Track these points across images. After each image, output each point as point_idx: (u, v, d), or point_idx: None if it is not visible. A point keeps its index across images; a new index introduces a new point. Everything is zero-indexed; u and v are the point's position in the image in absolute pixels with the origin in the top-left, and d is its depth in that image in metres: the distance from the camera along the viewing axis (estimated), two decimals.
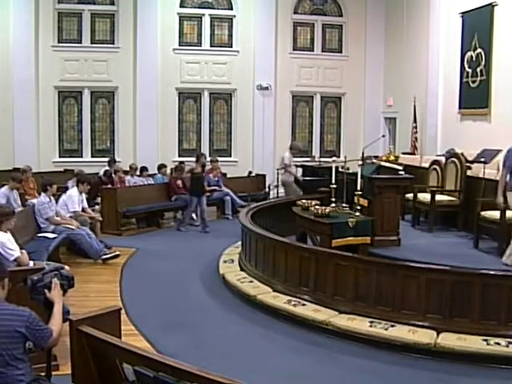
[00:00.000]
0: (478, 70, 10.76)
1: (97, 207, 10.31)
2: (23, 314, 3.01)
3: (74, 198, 8.63)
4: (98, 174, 12.19)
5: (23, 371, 3.00)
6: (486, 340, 4.92)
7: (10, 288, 3.21)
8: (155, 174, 12.41)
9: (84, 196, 9.09)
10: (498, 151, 8.66)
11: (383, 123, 15.37)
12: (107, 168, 12.36)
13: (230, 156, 15.21)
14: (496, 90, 10.32)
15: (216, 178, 12.53)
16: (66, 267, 6.14)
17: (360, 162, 7.97)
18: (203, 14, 14.85)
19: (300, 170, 12.36)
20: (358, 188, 7.57)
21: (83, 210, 8.89)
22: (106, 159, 13.10)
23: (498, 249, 7.28)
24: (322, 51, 15.56)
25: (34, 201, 8.94)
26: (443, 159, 9.60)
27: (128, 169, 12.30)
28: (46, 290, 3.30)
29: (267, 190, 13.71)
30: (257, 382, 4.42)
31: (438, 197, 8.75)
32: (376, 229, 7.31)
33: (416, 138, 13.08)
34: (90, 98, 14.57)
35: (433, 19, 12.49)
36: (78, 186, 8.86)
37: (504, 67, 10.08)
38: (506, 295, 5.08)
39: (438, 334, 5.09)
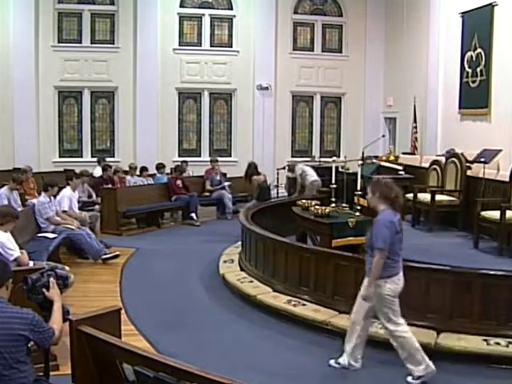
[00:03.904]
0: (478, 70, 10.76)
1: (97, 207, 10.30)
2: (27, 317, 2.99)
3: (64, 199, 8.60)
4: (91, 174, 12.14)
5: (26, 373, 3.00)
6: (486, 340, 4.93)
7: (11, 289, 3.21)
8: (155, 174, 12.41)
9: (77, 194, 9.09)
10: (498, 151, 8.68)
11: (383, 123, 15.37)
12: (105, 164, 12.24)
13: (230, 156, 15.20)
14: (496, 90, 10.32)
15: (218, 177, 12.59)
16: (66, 267, 6.18)
17: (360, 162, 7.98)
18: (203, 14, 14.85)
19: None
20: (358, 188, 7.57)
21: (68, 211, 8.63)
22: (106, 159, 13.10)
23: (498, 249, 7.30)
24: (322, 51, 15.56)
25: (34, 201, 8.93)
26: (443, 159, 9.62)
27: (127, 169, 12.28)
28: (45, 290, 3.31)
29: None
30: (257, 382, 4.42)
31: (438, 197, 8.76)
32: None
33: (416, 138, 13.07)
34: (90, 98, 14.56)
35: (433, 19, 12.48)
36: (68, 184, 8.83)
37: (504, 67, 10.08)
38: (506, 295, 5.08)
39: (438, 334, 5.09)
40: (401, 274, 4.69)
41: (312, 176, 10.44)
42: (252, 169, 10.93)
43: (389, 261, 4.55)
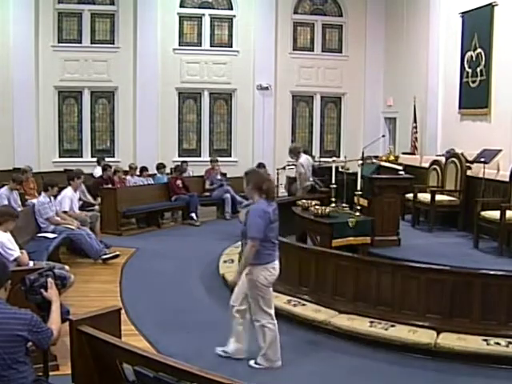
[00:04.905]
0: (478, 70, 10.76)
1: (97, 207, 10.29)
2: (25, 318, 2.99)
3: (66, 199, 8.59)
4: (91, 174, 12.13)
5: (25, 374, 2.99)
6: (485, 340, 4.93)
7: (10, 289, 3.21)
8: (155, 174, 12.41)
9: (78, 194, 9.08)
10: (498, 151, 8.67)
11: (383, 123, 15.37)
12: (105, 164, 12.22)
13: (230, 156, 15.21)
14: (496, 90, 10.32)
15: (219, 177, 12.61)
16: (66, 267, 6.18)
17: (360, 162, 7.97)
18: (203, 14, 14.85)
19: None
20: (358, 188, 7.57)
21: (69, 211, 8.59)
22: (106, 159, 13.10)
23: (498, 249, 7.29)
24: (322, 51, 15.56)
25: (34, 201, 8.93)
26: (443, 159, 9.62)
27: (128, 169, 12.28)
28: (43, 290, 3.30)
29: None
30: (257, 382, 4.42)
31: (438, 197, 8.76)
32: (376, 229, 7.31)
33: (416, 138, 13.08)
34: (90, 98, 14.56)
35: (433, 19, 12.49)
36: (69, 184, 8.83)
37: (504, 67, 10.07)
38: (506, 295, 5.09)
39: (438, 334, 5.09)
40: (276, 262, 4.81)
41: (308, 180, 10.34)
42: (261, 169, 11.26)
43: (264, 249, 4.66)
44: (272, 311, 4.82)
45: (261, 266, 4.66)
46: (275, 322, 4.82)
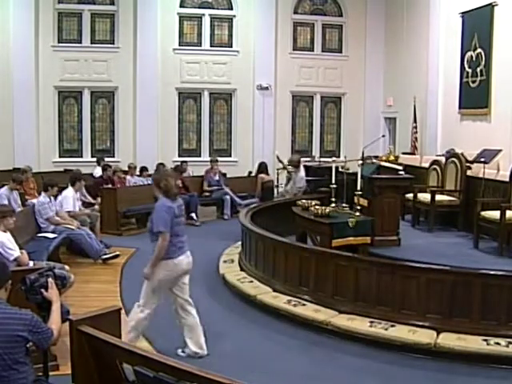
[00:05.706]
0: (478, 70, 10.76)
1: (97, 207, 10.29)
2: (25, 318, 2.98)
3: (69, 199, 8.59)
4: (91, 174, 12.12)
5: (25, 374, 2.99)
6: (486, 340, 4.92)
7: (10, 289, 3.21)
8: None
9: (79, 195, 9.08)
10: (498, 151, 8.68)
11: (383, 123, 15.37)
12: (104, 164, 12.23)
13: (230, 156, 15.22)
14: (496, 89, 10.32)
15: (217, 178, 12.58)
16: (66, 267, 6.18)
17: (360, 162, 7.97)
18: (203, 14, 14.85)
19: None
20: (358, 188, 7.57)
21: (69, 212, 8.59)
22: (106, 159, 13.10)
23: (498, 249, 7.30)
24: (322, 51, 15.56)
25: (34, 201, 8.93)
26: (443, 159, 9.62)
27: (127, 169, 12.28)
28: (43, 290, 3.30)
29: None
30: (257, 382, 4.42)
31: (438, 197, 8.76)
32: (376, 229, 7.31)
33: (416, 138, 13.08)
34: (90, 98, 14.57)
35: (433, 19, 12.49)
36: (72, 185, 8.83)
37: (504, 67, 10.08)
38: (506, 295, 5.08)
39: (438, 334, 5.09)
40: (180, 257, 5.06)
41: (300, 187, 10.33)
42: (262, 168, 11.52)
43: (171, 244, 4.87)
44: (153, 305, 5.01)
45: (164, 261, 4.84)
46: (148, 311, 5.00)
